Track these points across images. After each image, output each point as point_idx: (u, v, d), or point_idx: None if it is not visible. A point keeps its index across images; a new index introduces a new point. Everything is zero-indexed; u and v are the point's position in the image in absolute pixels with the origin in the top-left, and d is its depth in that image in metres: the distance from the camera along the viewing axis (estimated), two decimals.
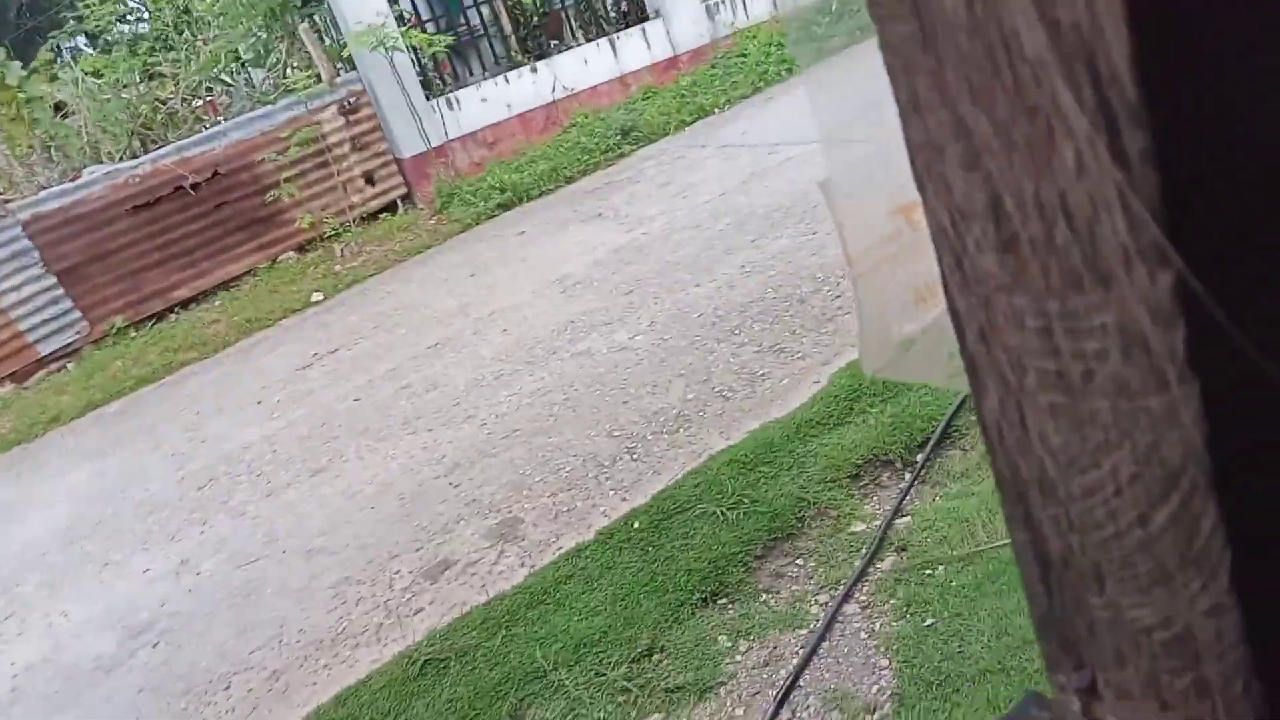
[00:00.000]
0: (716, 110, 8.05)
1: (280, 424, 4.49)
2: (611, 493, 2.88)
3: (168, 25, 8.86)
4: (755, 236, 4.61)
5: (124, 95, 7.74)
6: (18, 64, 7.26)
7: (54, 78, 7.73)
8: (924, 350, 0.61)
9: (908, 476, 2.70)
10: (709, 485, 2.71)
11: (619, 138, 7.80)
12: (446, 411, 3.93)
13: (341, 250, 7.21)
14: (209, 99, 8.66)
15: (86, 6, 9.51)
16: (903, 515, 2.59)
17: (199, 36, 8.86)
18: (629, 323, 4.14)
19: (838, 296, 3.62)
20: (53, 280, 6.68)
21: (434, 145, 7.82)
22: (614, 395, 3.51)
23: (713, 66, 8.92)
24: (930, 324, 0.59)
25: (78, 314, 6.80)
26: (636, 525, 2.66)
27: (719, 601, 2.41)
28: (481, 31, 8.66)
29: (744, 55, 8.87)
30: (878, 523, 2.56)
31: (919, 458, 2.73)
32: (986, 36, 0.25)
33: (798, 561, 2.51)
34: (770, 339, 3.48)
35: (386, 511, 3.26)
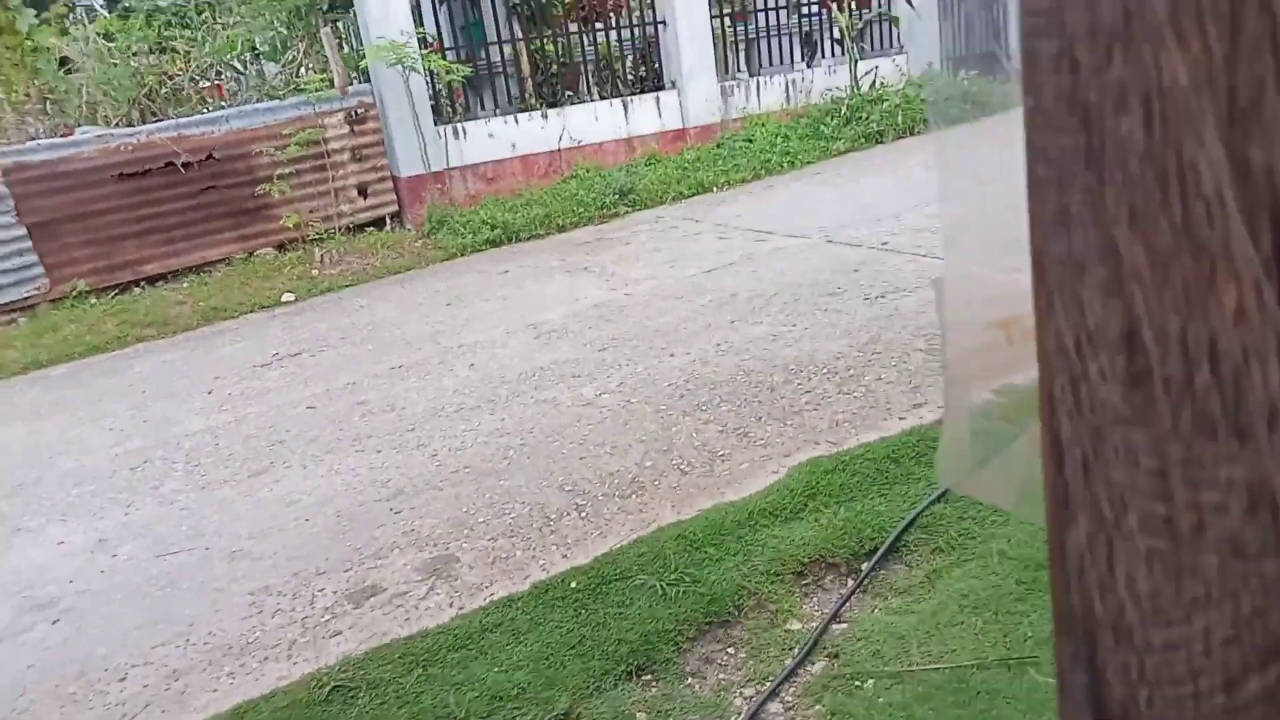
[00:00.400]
0: (716, 189, 8.17)
1: (228, 418, 4.38)
2: (554, 547, 2.83)
3: (187, 3, 8.86)
4: (735, 318, 4.65)
5: (132, 63, 7.70)
6: (31, 11, 7.20)
7: (64, 32, 7.66)
8: (1001, 471, 0.60)
9: (850, 583, 2.69)
10: (653, 557, 2.67)
11: (616, 197, 7.88)
12: (400, 436, 3.86)
13: (322, 256, 7.14)
14: (217, 82, 8.63)
15: None
16: (840, 621, 2.57)
17: (218, 20, 8.87)
18: (598, 379, 4.12)
19: (807, 391, 3.64)
20: (22, 231, 6.54)
21: (433, 170, 7.84)
22: (572, 449, 3.47)
23: (718, 146, 9.09)
24: (1011, 447, 0.58)
25: (40, 270, 6.65)
26: (574, 584, 2.61)
27: (644, 677, 2.36)
28: (500, 69, 8.76)
29: (750, 140, 9.05)
30: (814, 624, 2.54)
31: (864, 566, 2.72)
32: (1161, 164, 0.24)
33: (729, 650, 2.47)
34: (735, 421, 3.48)
35: (321, 526, 3.17)
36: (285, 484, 3.57)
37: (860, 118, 9.19)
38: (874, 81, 9.77)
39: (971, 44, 11.20)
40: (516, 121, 8.44)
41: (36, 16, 7.19)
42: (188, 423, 4.41)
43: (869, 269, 5.10)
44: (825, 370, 3.81)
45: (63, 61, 7.57)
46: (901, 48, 10.42)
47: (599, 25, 9.23)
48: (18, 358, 5.95)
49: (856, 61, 9.61)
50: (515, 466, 3.41)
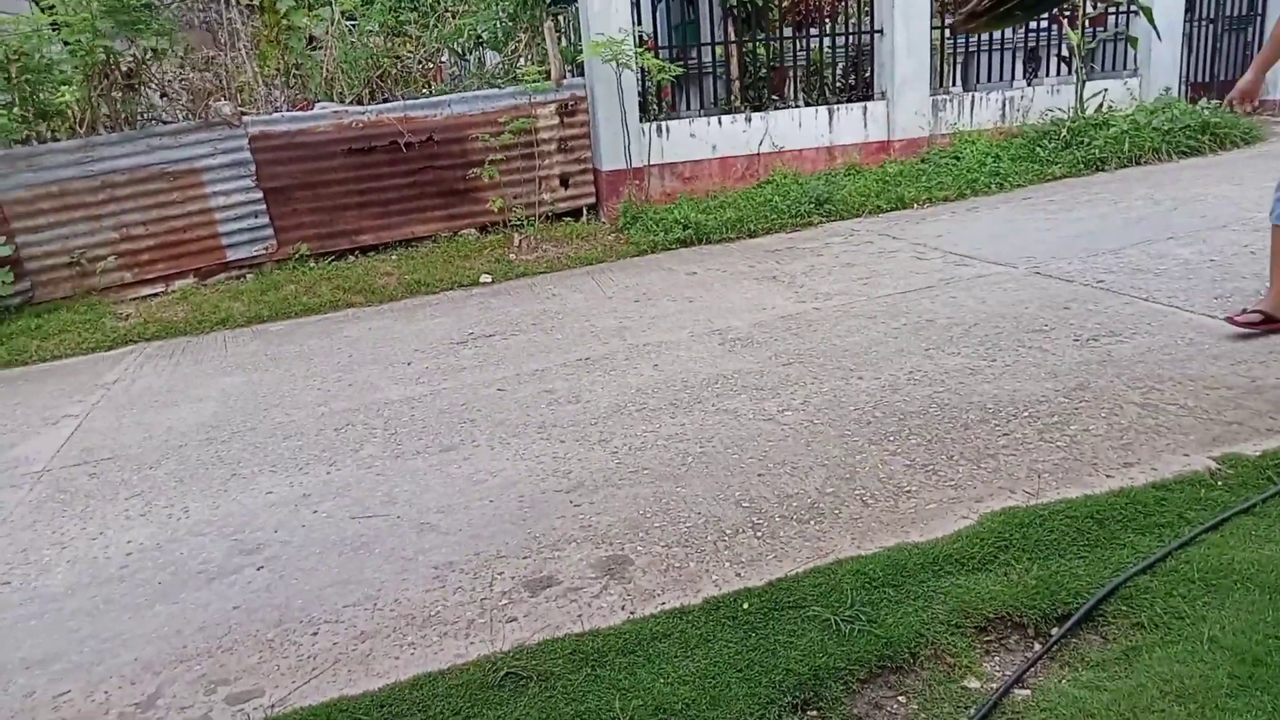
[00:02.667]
0: (916, 205, 7.90)
1: (424, 390, 4.62)
2: (728, 564, 2.81)
3: None
4: (930, 345, 4.47)
5: (369, 44, 8.21)
6: None
7: (315, 14, 8.26)
8: None
9: (1038, 646, 2.53)
10: (830, 589, 2.60)
11: (812, 205, 7.75)
12: (583, 428, 3.94)
13: (520, 241, 7.40)
14: (437, 65, 9.08)
15: None
16: (1023, 686, 2.42)
17: (448, 7, 9.32)
18: (782, 395, 4.06)
19: (1005, 434, 3.45)
20: (259, 195, 7.12)
21: (634, 165, 7.96)
22: (751, 464, 3.44)
23: (923, 161, 8.78)
24: None
25: (270, 232, 7.22)
26: (746, 606, 2.58)
27: (809, 712, 2.30)
28: (709, 70, 8.79)
29: (958, 158, 8.69)
30: (994, 685, 2.40)
31: (1055, 631, 2.55)
32: None
33: (900, 699, 2.37)
34: (924, 456, 3.34)
35: (504, 509, 3.28)
36: (473, 462, 3.71)
37: (1081, 142, 8.64)
38: (1101, 104, 9.16)
39: (1219, 70, 10.30)
40: (720, 123, 8.45)
41: (294, 0, 7.80)
42: (388, 391, 4.68)
43: (1081, 307, 4.78)
44: (1026, 413, 3.60)
45: (310, 40, 8.19)
46: (1135, 70, 9.71)
47: (813, 31, 9.09)
48: (244, 310, 6.49)
49: (1084, 82, 9.03)
50: (693, 474, 3.41)
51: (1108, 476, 3.10)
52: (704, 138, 8.38)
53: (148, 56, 7.44)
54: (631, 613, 2.61)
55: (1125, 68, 9.81)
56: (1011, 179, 8.22)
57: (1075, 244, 6.00)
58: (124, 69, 7.16)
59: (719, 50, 8.81)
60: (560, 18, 8.64)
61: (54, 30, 7.30)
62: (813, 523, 3.00)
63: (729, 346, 4.81)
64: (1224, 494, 2.89)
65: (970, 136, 9.01)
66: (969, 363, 4.19)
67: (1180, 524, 2.76)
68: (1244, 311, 4.16)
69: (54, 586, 3.10)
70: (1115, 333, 4.37)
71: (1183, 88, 9.91)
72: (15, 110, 6.79)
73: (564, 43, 8.43)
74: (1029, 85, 9.41)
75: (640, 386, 4.37)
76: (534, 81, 7.44)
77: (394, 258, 7.41)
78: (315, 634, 2.66)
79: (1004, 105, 9.28)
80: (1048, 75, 9.78)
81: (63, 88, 7.06)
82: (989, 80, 9.64)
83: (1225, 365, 3.84)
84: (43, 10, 7.96)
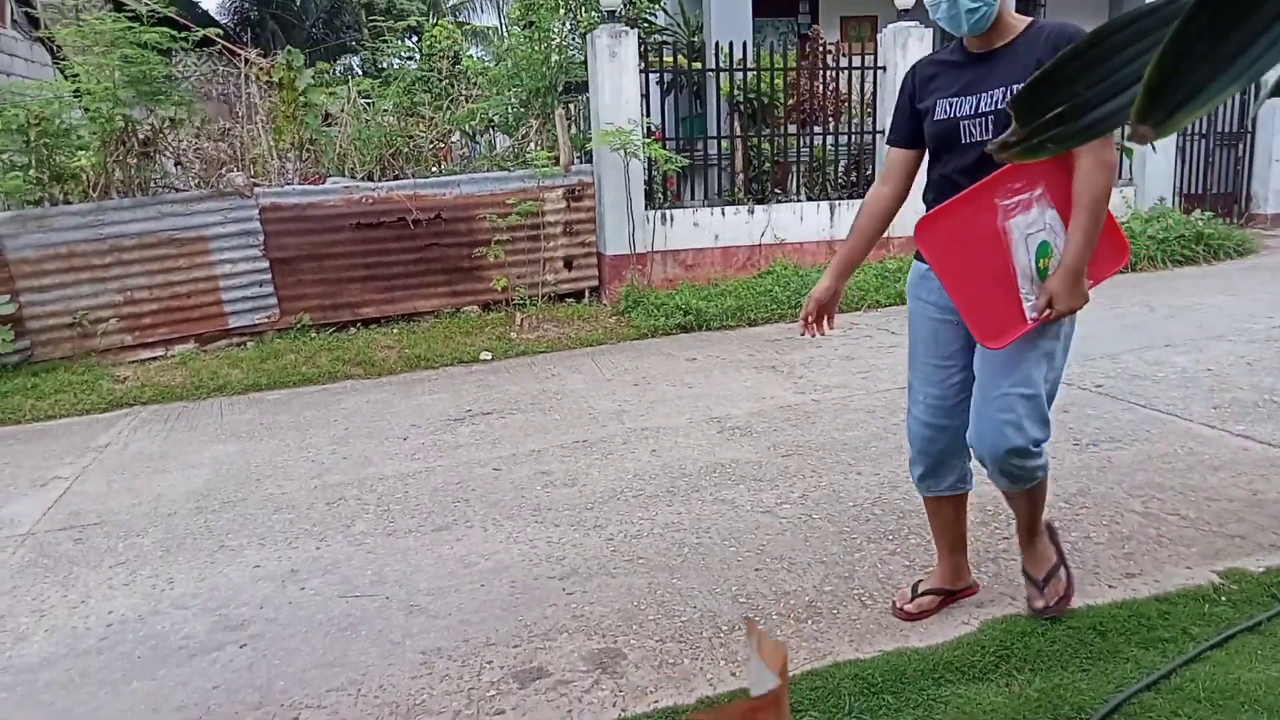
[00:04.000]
0: None
1: (419, 467, 4.58)
2: (723, 661, 2.75)
3: (435, 72, 9.60)
4: None
5: (383, 123, 8.39)
6: (309, 72, 8.01)
7: (332, 93, 8.46)
8: None
9: None
10: (827, 693, 2.54)
11: None
12: (579, 513, 3.90)
13: (522, 320, 7.45)
14: (447, 145, 9.26)
15: (379, 39, 10.48)
16: None
17: (461, 90, 9.56)
18: (780, 487, 4.04)
19: (1005, 538, 3.42)
20: (265, 265, 7.18)
21: (638, 251, 8.07)
22: (748, 558, 3.39)
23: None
24: None
25: (274, 300, 7.26)
26: None
27: None
28: (715, 162, 8.98)
29: None
30: None
31: None
32: None
33: None
34: (924, 558, 3.31)
35: (496, 594, 3.23)
36: (465, 544, 3.67)
37: None
38: None
39: (1211, 183, 10.55)
40: (723, 213, 8.59)
41: (312, 78, 8.00)
42: (382, 466, 4.64)
43: (1079, 412, 4.80)
44: None
45: (326, 116, 8.37)
46: (1130, 180, 9.95)
47: (817, 129, 9.33)
48: (242, 378, 6.48)
49: None
50: (689, 566, 3.37)
51: (1110, 587, 3.07)
52: (707, 227, 8.51)
53: (165, 125, 7.59)
54: (623, 710, 2.54)
55: (1120, 177, 10.03)
56: None
57: (1073, 348, 6.03)
58: (141, 137, 7.30)
59: (725, 143, 9.02)
60: (571, 106, 8.86)
61: (75, 97, 7.47)
62: (810, 622, 2.95)
63: (727, 435, 4.80)
64: (1228, 610, 2.86)
65: None
66: (971, 461, 4.17)
67: (1184, 640, 2.72)
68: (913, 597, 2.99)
69: (30, 656, 3.02)
70: (1115, 439, 4.37)
71: (1176, 198, 10.13)
72: (31, 173, 6.89)
73: (574, 130, 8.63)
74: None
75: (637, 472, 4.35)
76: (543, 166, 7.59)
77: (395, 331, 7.44)
78: (296, 718, 2.59)
79: None
80: None
81: (80, 153, 7.18)
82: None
83: (1226, 477, 3.84)
84: (67, 77, 8.15)
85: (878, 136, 9.17)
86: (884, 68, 9.05)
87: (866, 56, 9.15)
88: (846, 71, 9.23)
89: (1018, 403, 2.54)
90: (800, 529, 3.61)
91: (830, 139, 9.32)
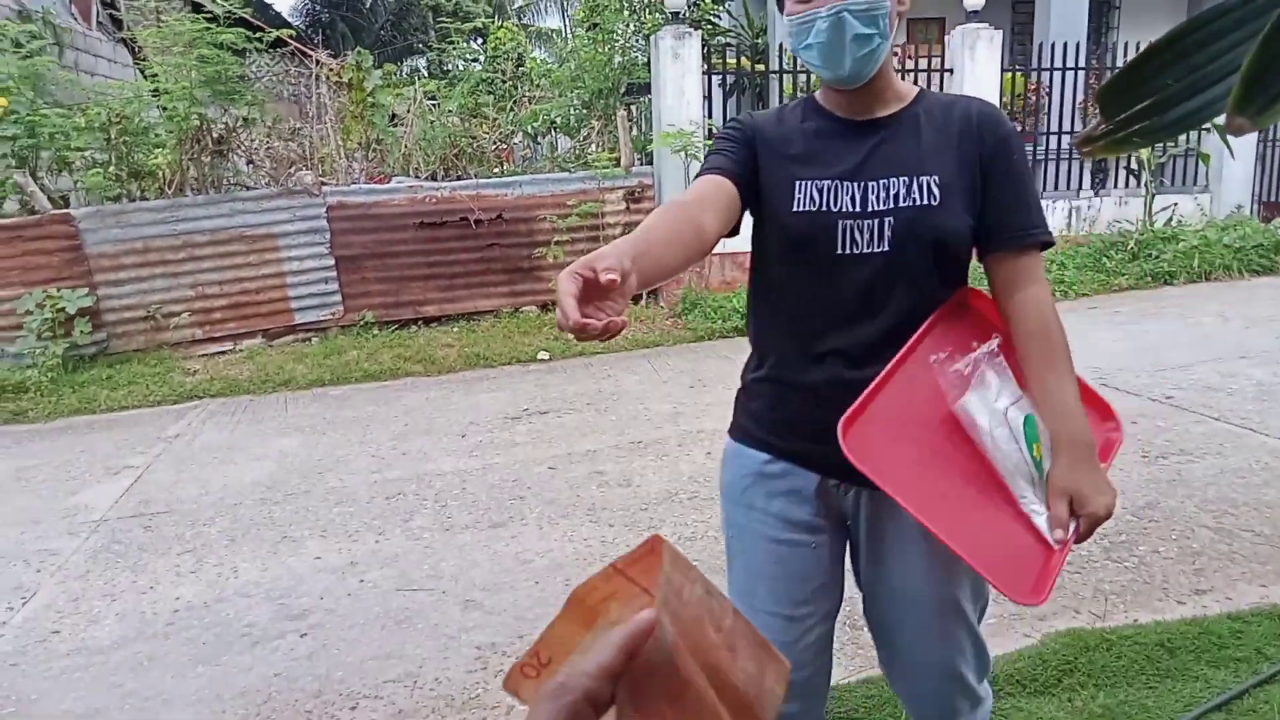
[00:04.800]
0: None
1: (476, 464, 4.63)
2: None
3: (500, 74, 9.70)
4: None
5: (447, 124, 8.50)
6: (378, 73, 8.16)
7: (399, 93, 8.60)
8: None
9: None
10: (883, 701, 2.50)
11: None
12: (633, 514, 3.90)
13: None
14: (509, 146, 9.35)
15: (445, 41, 10.62)
16: None
17: (524, 92, 9.64)
18: None
19: (1071, 551, 3.32)
20: (331, 262, 7.33)
21: None
22: None
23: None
24: None
25: (339, 298, 7.40)
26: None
27: None
28: None
29: None
30: None
31: None
32: None
33: None
34: None
35: (550, 591, 3.24)
36: (521, 541, 3.69)
37: (1149, 255, 8.55)
38: (1170, 218, 9.09)
39: None
40: None
41: (380, 79, 8.15)
42: (440, 462, 4.70)
43: (1149, 423, 4.66)
44: None
45: (392, 117, 8.51)
46: (1206, 186, 9.64)
47: None
48: (306, 373, 6.61)
49: (1153, 195, 8.98)
50: None
51: (1179, 603, 2.97)
52: None
53: (238, 125, 7.79)
54: None
55: (1195, 183, 9.74)
56: (1077, 287, 8.14)
57: (1143, 357, 5.88)
58: (215, 135, 7.50)
59: None
60: (633, 107, 8.88)
61: (154, 96, 7.70)
62: (865, 630, 2.90)
63: None
64: None
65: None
66: None
67: (1258, 660, 2.62)
68: None
69: (101, 639, 3.11)
70: (1185, 451, 4.24)
71: (1254, 206, 9.79)
72: (110, 170, 7.12)
73: (635, 132, 8.65)
74: (1096, 195, 9.38)
75: (692, 474, 4.33)
76: (604, 167, 7.62)
77: (455, 330, 7.53)
78: (354, 708, 2.63)
79: (1070, 214, 9.24)
80: (1115, 187, 9.74)
81: (156, 150, 7.40)
82: (1055, 189, 9.62)
83: None
84: (146, 77, 8.41)
85: None
86: (951, 70, 8.91)
87: (934, 59, 9.01)
88: (912, 74, 9.10)
89: (960, 660, 1.67)
90: None
91: None
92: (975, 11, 8.76)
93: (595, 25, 8.49)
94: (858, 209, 1.49)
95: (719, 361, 6.57)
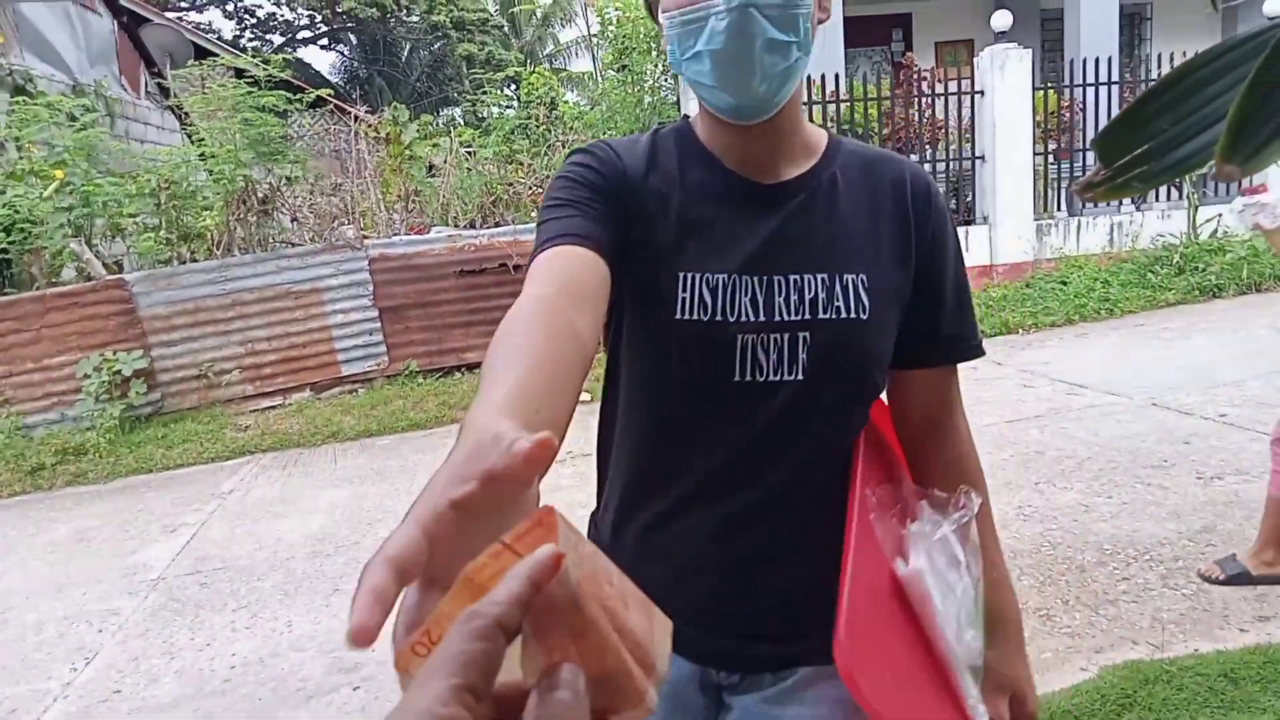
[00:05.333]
0: (1022, 330, 7.74)
1: None
2: None
3: (533, 119, 9.89)
4: (1040, 479, 4.30)
5: (483, 171, 8.68)
6: (414, 126, 8.37)
7: (435, 144, 8.80)
8: None
9: None
10: None
11: None
12: None
13: None
14: (543, 190, 9.49)
15: (479, 90, 10.86)
16: None
17: (558, 136, 9.81)
18: None
19: (1125, 579, 3.26)
20: (375, 314, 7.47)
21: None
22: None
23: (1027, 285, 8.65)
24: None
25: (383, 348, 7.53)
26: None
27: None
28: None
29: (1064, 282, 8.53)
30: None
31: None
32: None
33: None
34: (1038, 600, 3.18)
35: None
36: None
37: (1196, 268, 8.39)
38: (1215, 230, 8.92)
39: None
40: None
41: (417, 131, 8.35)
42: None
43: (1203, 442, 4.55)
44: (1147, 556, 3.41)
45: (430, 168, 8.71)
46: None
47: (914, 156, 9.19)
48: (354, 424, 6.73)
49: (1197, 207, 8.83)
50: None
51: (1241, 631, 2.89)
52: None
53: (282, 184, 8.02)
54: None
55: (1241, 193, 9.54)
56: (1122, 305, 8.01)
57: (1193, 374, 5.76)
58: (260, 195, 7.72)
59: None
60: None
61: (201, 160, 7.97)
62: None
63: None
64: None
65: (1077, 261, 8.86)
66: (1082, 499, 4.01)
67: None
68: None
69: (161, 697, 3.18)
70: (1242, 471, 4.13)
71: None
72: (161, 233, 7.36)
73: None
74: (1138, 210, 9.25)
75: None
76: None
77: None
78: None
79: (1112, 230, 9.12)
80: (1157, 200, 9.60)
81: (204, 212, 7.65)
82: (1095, 205, 9.50)
83: None
84: (193, 142, 8.71)
85: (977, 163, 8.99)
86: (982, 91, 8.88)
87: (963, 81, 9.01)
88: (943, 97, 9.10)
89: None
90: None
91: (928, 166, 9.16)
92: (1003, 32, 8.75)
93: (625, 67, 8.64)
94: (762, 317, 1.04)
95: None
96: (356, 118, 9.87)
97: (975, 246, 8.86)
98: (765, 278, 1.04)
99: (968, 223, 9.05)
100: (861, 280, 1.06)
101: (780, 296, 1.04)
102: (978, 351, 1.21)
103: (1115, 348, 6.83)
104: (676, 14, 1.00)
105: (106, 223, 7.49)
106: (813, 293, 1.05)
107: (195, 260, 7.40)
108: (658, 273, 1.04)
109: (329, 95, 11.52)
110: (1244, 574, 3.13)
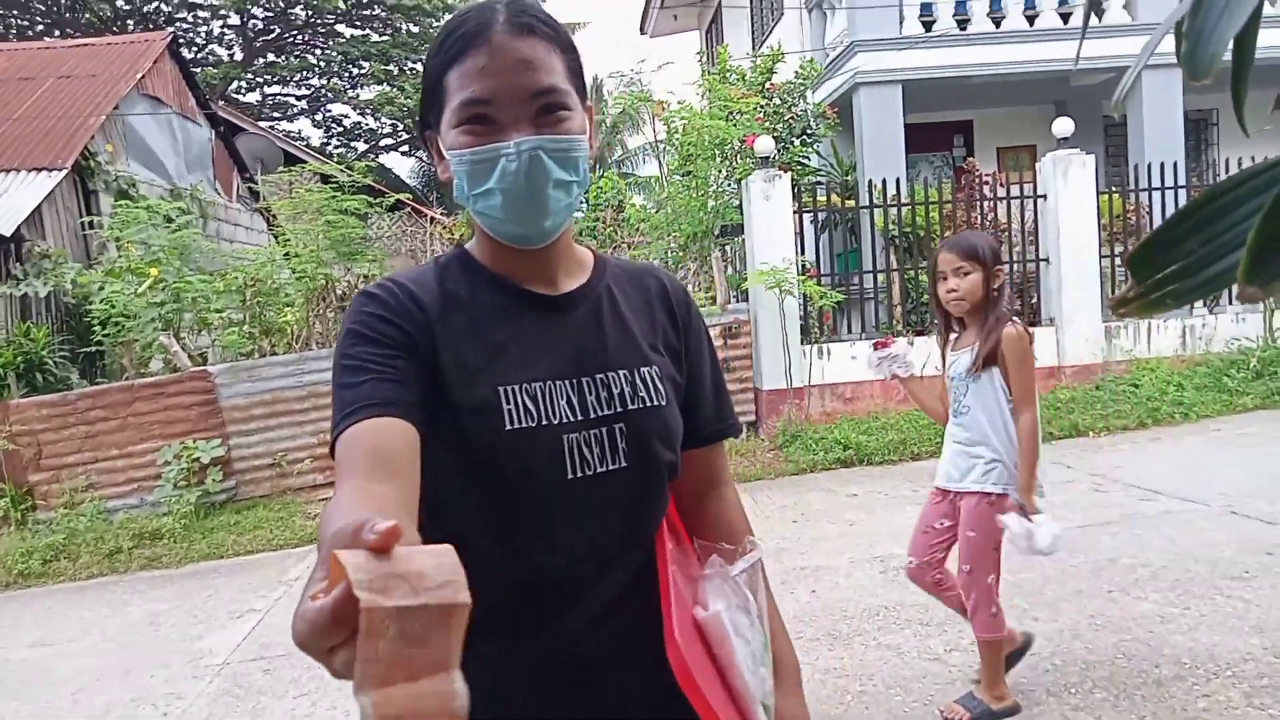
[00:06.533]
0: (1092, 434, 7.58)
1: None
2: None
3: (601, 221, 10.19)
4: (1113, 588, 4.17)
5: None
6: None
7: None
8: None
9: None
10: None
11: None
12: None
13: None
14: None
15: None
16: None
17: (624, 237, 10.08)
18: (949, 632, 3.86)
19: (1205, 695, 3.13)
20: None
21: (794, 385, 8.09)
22: (915, 710, 3.24)
23: (1097, 388, 8.49)
24: None
25: None
26: None
27: None
28: (871, 295, 9.00)
29: (1136, 385, 8.36)
30: None
31: None
32: None
33: None
34: (1112, 715, 3.06)
35: None
36: None
37: (1274, 373, 8.17)
38: None
39: None
40: None
41: None
42: None
43: None
44: (1229, 672, 3.27)
45: None
46: None
47: None
48: None
49: (1273, 311, 8.65)
50: (852, 715, 3.25)
51: None
52: (866, 359, 8.44)
53: (360, 281, 8.36)
54: None
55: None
56: (1197, 409, 7.81)
57: (1275, 482, 5.56)
58: (339, 292, 8.06)
59: (881, 277, 9.04)
60: (727, 248, 9.16)
61: (285, 259, 8.39)
62: None
63: (891, 575, 4.65)
64: None
65: (1149, 364, 8.69)
66: (1158, 609, 3.88)
67: None
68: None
69: None
70: None
71: None
72: (245, 328, 7.71)
73: (730, 270, 8.89)
74: (1211, 313, 9.08)
75: (797, 613, 4.26)
76: (702, 305, 7.83)
77: None
78: None
79: (1184, 333, 8.96)
80: (1230, 303, 9.42)
81: (286, 309, 8.00)
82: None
83: None
84: (279, 242, 9.17)
85: (1042, 265, 8.97)
86: (1044, 196, 8.93)
87: (1026, 185, 9.07)
88: (1005, 201, 9.16)
89: None
90: (971, 678, 3.42)
91: None
92: (1065, 138, 8.83)
93: (689, 173, 8.90)
94: (579, 416, 1.12)
95: (822, 494, 6.51)
96: (432, 219, 10.30)
97: (1042, 348, 8.75)
98: (576, 380, 1.13)
99: (1033, 324, 8.97)
100: (654, 372, 1.19)
101: (591, 395, 1.14)
102: (736, 430, 1.36)
103: (1191, 453, 6.63)
104: (467, 154, 1.08)
105: (195, 317, 7.88)
106: (619, 388, 1.15)
107: (275, 354, 7.71)
108: (478, 397, 1.08)
109: (408, 199, 12.06)
110: (986, 712, 3.06)
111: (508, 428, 1.07)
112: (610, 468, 1.13)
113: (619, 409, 1.14)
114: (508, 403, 1.08)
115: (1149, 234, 0.95)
